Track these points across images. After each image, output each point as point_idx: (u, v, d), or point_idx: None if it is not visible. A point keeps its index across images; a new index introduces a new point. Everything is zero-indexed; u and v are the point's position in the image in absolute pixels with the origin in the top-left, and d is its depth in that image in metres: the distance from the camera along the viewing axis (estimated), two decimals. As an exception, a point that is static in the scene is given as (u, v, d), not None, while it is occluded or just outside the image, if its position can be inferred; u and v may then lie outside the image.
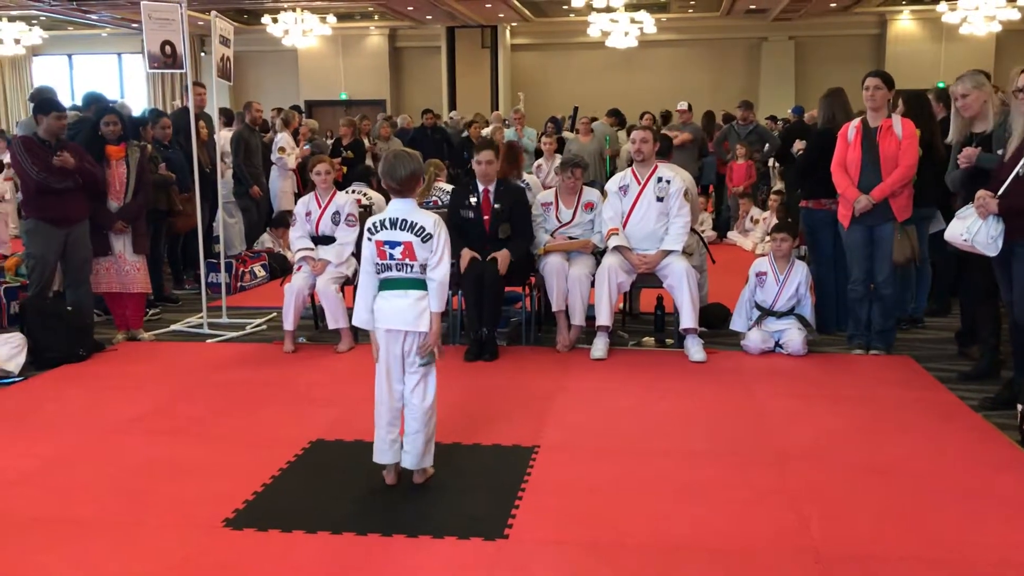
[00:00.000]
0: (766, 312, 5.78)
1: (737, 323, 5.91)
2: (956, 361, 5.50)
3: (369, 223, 3.64)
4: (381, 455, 3.66)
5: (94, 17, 18.08)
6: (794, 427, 4.39)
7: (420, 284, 3.58)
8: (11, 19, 17.32)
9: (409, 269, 3.56)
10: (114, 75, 21.87)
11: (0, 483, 3.77)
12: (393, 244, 3.55)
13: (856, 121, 5.58)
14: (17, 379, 5.34)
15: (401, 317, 3.56)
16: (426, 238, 3.54)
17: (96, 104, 7.12)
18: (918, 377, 5.22)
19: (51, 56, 21.75)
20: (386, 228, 3.56)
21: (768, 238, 10.04)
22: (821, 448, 4.09)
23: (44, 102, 5.94)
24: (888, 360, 5.55)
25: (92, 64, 22.07)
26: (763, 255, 9.84)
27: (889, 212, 5.41)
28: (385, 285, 3.61)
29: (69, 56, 22.02)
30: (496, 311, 5.79)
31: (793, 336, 5.65)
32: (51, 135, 5.79)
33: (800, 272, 5.80)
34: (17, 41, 17.61)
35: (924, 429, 4.34)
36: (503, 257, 5.70)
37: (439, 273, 3.57)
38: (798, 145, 6.47)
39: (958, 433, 4.29)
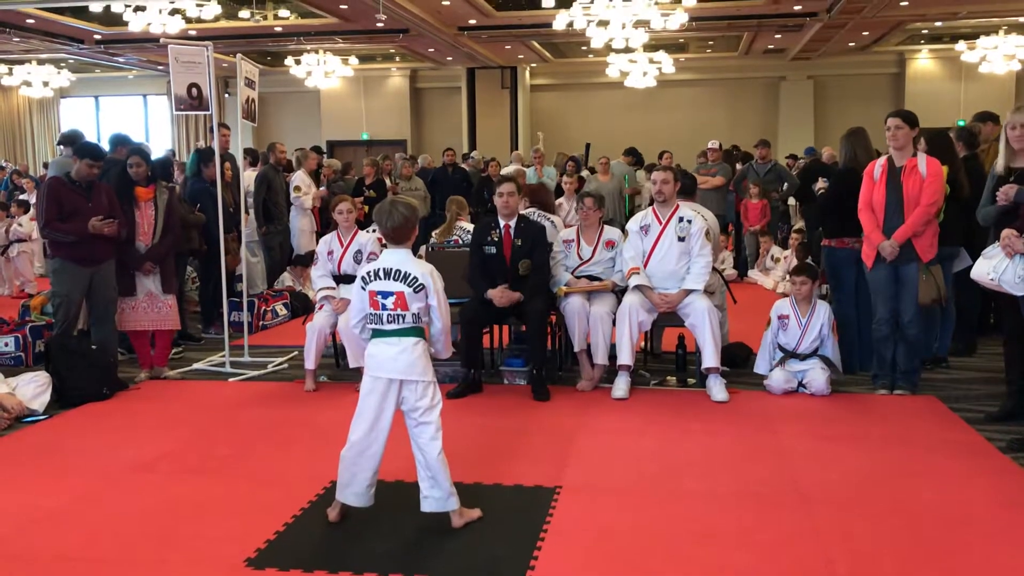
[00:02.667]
0: (789, 354, 5.74)
1: (761, 366, 5.87)
2: (982, 402, 5.43)
3: (363, 272, 3.66)
4: (340, 492, 3.67)
5: (121, 60, 18.43)
6: (819, 468, 4.34)
7: (412, 332, 3.58)
8: (40, 62, 17.67)
9: (401, 320, 3.56)
10: (139, 116, 22.23)
11: (24, 521, 3.78)
12: (386, 294, 3.56)
13: (882, 159, 5.54)
14: (42, 417, 5.37)
15: (392, 365, 3.56)
16: (418, 288, 3.55)
17: (124, 146, 7.21)
18: (944, 418, 5.16)
19: (78, 98, 22.14)
20: (379, 278, 3.58)
21: (788, 279, 10.03)
22: (846, 490, 4.04)
23: (82, 147, 6.07)
24: (913, 401, 5.50)
25: (118, 105, 22.45)
26: (784, 294, 9.83)
27: (913, 252, 5.35)
28: (377, 334, 3.62)
29: (96, 98, 22.42)
30: (543, 348, 5.84)
31: (816, 376, 5.61)
32: (82, 178, 5.91)
33: (822, 313, 5.76)
34: (46, 84, 17.93)
35: (951, 471, 4.28)
36: (507, 296, 5.75)
37: (437, 326, 3.66)
38: (820, 184, 6.46)
39: (986, 475, 4.23)
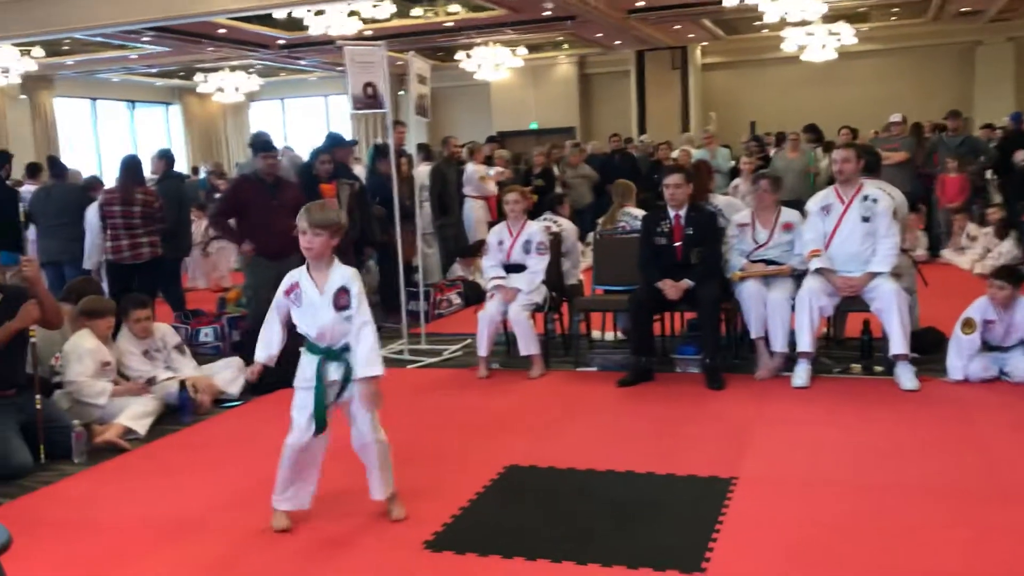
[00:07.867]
0: (992, 348, 5.32)
1: (955, 370, 5.36)
2: None
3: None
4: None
5: (303, 63, 19.38)
6: (1020, 462, 4.01)
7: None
8: (231, 69, 18.89)
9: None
10: (321, 116, 23.33)
11: (216, 507, 4.04)
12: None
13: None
14: (237, 402, 5.73)
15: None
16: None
17: (334, 144, 7.66)
18: None
19: (266, 101, 23.47)
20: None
21: (984, 261, 9.31)
22: (1056, 487, 3.72)
23: (255, 145, 6.55)
24: None
25: (302, 106, 23.65)
26: (982, 275, 9.15)
27: None
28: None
29: (282, 100, 23.70)
30: (716, 336, 5.72)
31: (1019, 363, 5.18)
32: (264, 174, 6.33)
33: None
34: (237, 89, 19.18)
35: None
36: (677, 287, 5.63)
37: None
38: (1020, 155, 5.95)
39: None
